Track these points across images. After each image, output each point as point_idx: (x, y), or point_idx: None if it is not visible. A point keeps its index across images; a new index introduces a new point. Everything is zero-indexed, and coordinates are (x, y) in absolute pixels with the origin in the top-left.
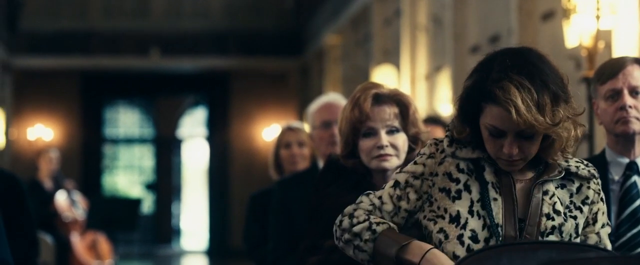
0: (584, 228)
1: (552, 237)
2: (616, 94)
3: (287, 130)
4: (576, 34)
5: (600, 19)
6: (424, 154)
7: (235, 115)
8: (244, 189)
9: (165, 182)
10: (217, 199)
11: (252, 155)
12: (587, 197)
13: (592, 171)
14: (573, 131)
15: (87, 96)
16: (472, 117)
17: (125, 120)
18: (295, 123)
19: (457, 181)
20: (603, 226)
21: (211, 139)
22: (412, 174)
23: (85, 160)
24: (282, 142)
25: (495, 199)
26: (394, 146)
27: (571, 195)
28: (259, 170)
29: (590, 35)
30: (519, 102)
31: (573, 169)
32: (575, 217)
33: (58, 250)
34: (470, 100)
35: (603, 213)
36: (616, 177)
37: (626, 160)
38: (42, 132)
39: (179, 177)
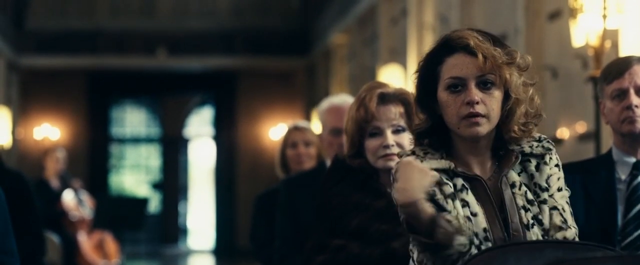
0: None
1: (535, 229)
2: (622, 94)
3: (294, 130)
4: (583, 33)
5: (607, 18)
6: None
7: (242, 114)
8: (251, 188)
9: (172, 181)
10: (223, 198)
11: (259, 155)
12: (548, 177)
13: (546, 145)
14: (530, 97)
15: (94, 95)
16: (430, 95)
17: (132, 120)
18: (302, 122)
19: (434, 194)
20: (559, 190)
21: (218, 138)
22: None
23: (92, 159)
24: (289, 142)
25: (476, 203)
26: (400, 145)
27: (532, 177)
28: (266, 169)
29: (597, 35)
30: (475, 37)
31: (527, 150)
32: (545, 201)
33: (65, 249)
34: (426, 70)
35: (558, 178)
36: (623, 177)
37: (633, 160)
38: (49, 132)
39: (186, 176)
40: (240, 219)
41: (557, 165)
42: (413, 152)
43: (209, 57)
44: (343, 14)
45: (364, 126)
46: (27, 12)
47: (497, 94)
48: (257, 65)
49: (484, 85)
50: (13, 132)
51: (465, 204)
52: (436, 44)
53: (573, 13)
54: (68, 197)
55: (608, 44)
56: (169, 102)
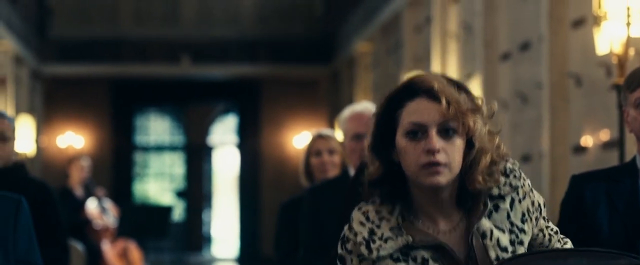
0: (548, 243)
1: None
2: None
3: (318, 138)
4: (607, 41)
5: (631, 26)
6: (351, 259)
7: (266, 122)
8: (275, 196)
9: (196, 189)
10: (247, 206)
11: (283, 163)
12: (523, 214)
13: (513, 182)
14: (497, 145)
15: (118, 103)
16: (387, 141)
17: (156, 128)
18: (326, 131)
19: None
20: (536, 219)
21: (242, 146)
22: None
23: (116, 167)
24: (313, 150)
25: None
26: None
27: (508, 216)
28: (290, 177)
29: (620, 43)
30: (438, 82)
31: (495, 192)
32: (522, 242)
33: (89, 258)
34: (385, 114)
35: (534, 207)
36: None
37: None
38: (73, 140)
39: (210, 184)
40: (264, 227)
41: (530, 191)
42: (366, 215)
43: (233, 65)
44: (367, 21)
45: None
46: (50, 21)
47: (459, 143)
48: (280, 73)
49: (446, 132)
50: (37, 141)
51: None
52: (398, 87)
53: (597, 21)
54: (92, 206)
55: (632, 52)
56: (192, 110)
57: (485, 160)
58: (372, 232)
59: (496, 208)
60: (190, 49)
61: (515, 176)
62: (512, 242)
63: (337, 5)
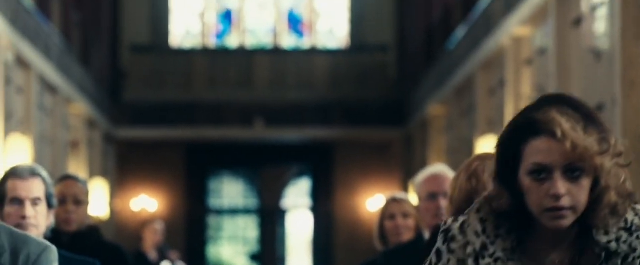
0: None
1: None
2: None
3: (392, 201)
4: None
5: None
6: (448, 259)
7: (339, 185)
8: (349, 260)
9: (270, 252)
10: None
11: (357, 226)
12: None
13: (635, 243)
14: (623, 179)
15: (191, 167)
16: (510, 175)
17: (229, 191)
18: (400, 194)
19: None
20: None
21: (315, 209)
22: None
23: (190, 230)
24: (387, 213)
25: None
26: None
27: None
28: (364, 241)
29: None
30: (564, 122)
31: (613, 247)
32: None
33: None
34: (508, 147)
35: None
36: None
37: None
38: (146, 203)
39: (284, 247)
40: None
41: None
42: (484, 227)
43: (306, 128)
44: (440, 84)
45: (475, 197)
46: (124, 85)
47: (586, 183)
48: (354, 136)
49: (572, 173)
50: (110, 204)
51: None
52: (520, 121)
53: None
54: None
55: None
56: (266, 173)
57: (609, 197)
58: (484, 247)
59: (608, 260)
60: (263, 112)
61: (637, 237)
62: None
63: (411, 68)
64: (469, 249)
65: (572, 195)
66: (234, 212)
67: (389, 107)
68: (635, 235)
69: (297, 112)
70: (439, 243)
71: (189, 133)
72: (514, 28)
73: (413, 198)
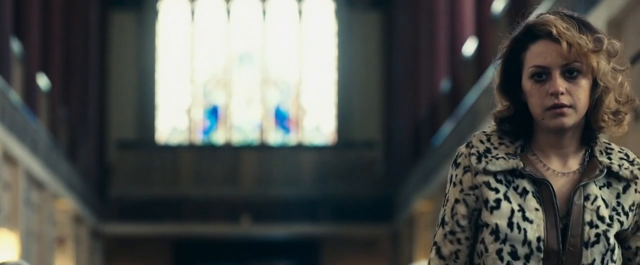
0: (633, 233)
1: (594, 248)
2: None
3: None
4: None
5: None
6: (456, 174)
7: None
8: None
9: None
10: None
11: None
12: (633, 203)
13: (636, 172)
14: (621, 83)
15: (178, 263)
16: (514, 82)
17: None
18: None
19: (496, 190)
20: None
21: None
22: (454, 202)
23: None
24: None
25: (536, 209)
26: None
27: (618, 196)
28: None
29: None
30: (559, 23)
31: (615, 168)
32: (622, 223)
33: None
34: (510, 58)
35: None
36: None
37: None
38: None
39: None
40: None
41: None
42: (488, 137)
43: (293, 224)
44: (427, 181)
45: None
46: (110, 181)
47: (584, 83)
48: (341, 232)
49: (570, 73)
50: None
51: (520, 209)
52: (519, 30)
53: None
54: None
55: None
56: None
57: (609, 98)
58: (488, 150)
59: (609, 185)
60: (250, 208)
61: (639, 169)
62: (611, 217)
63: (398, 164)
64: (473, 151)
65: (571, 93)
66: None
67: (376, 203)
68: (637, 166)
69: (284, 208)
70: (451, 170)
71: (176, 229)
72: None
73: None
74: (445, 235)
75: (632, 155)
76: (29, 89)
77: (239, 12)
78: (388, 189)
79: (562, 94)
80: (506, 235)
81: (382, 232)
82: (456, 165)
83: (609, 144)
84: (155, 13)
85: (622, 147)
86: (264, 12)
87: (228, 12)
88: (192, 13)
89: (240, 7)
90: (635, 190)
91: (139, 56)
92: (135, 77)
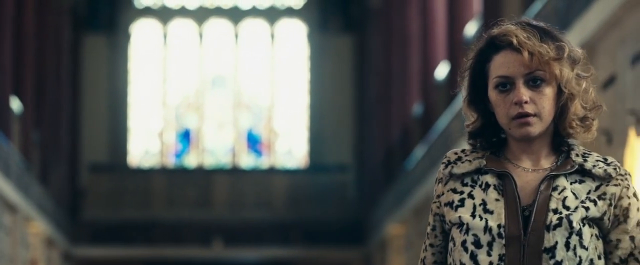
0: (614, 227)
1: (559, 229)
2: None
3: None
4: None
5: None
6: (435, 189)
7: None
8: None
9: None
10: None
11: None
12: (604, 193)
13: (609, 170)
14: (585, 89)
15: None
16: (481, 94)
17: None
18: None
19: (461, 193)
20: (639, 224)
21: None
22: (431, 215)
23: None
24: None
25: (497, 200)
26: None
27: (589, 192)
28: None
29: None
30: (519, 33)
31: (588, 166)
32: (587, 208)
33: None
34: (475, 70)
35: (638, 209)
36: None
37: None
38: None
39: None
40: None
41: (635, 195)
42: (463, 150)
43: (265, 247)
44: (399, 204)
45: None
46: (82, 204)
47: (549, 91)
48: (313, 255)
49: (534, 82)
50: None
51: (482, 203)
52: (482, 41)
53: None
54: None
55: None
56: None
57: (575, 105)
58: (459, 158)
59: (581, 182)
60: (222, 231)
61: (615, 169)
62: (576, 207)
63: (370, 188)
64: (444, 162)
65: (535, 102)
66: None
67: (348, 226)
68: (613, 166)
69: (256, 231)
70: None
71: (148, 252)
72: None
73: None
74: (425, 248)
75: (610, 159)
76: (2, 112)
77: (212, 35)
78: (360, 213)
79: (526, 102)
80: (468, 224)
81: (355, 256)
82: (437, 181)
83: (589, 151)
84: (127, 36)
85: (606, 156)
86: (237, 36)
87: (200, 35)
88: (165, 36)
89: (212, 30)
90: (607, 186)
91: (111, 79)
92: (108, 100)
